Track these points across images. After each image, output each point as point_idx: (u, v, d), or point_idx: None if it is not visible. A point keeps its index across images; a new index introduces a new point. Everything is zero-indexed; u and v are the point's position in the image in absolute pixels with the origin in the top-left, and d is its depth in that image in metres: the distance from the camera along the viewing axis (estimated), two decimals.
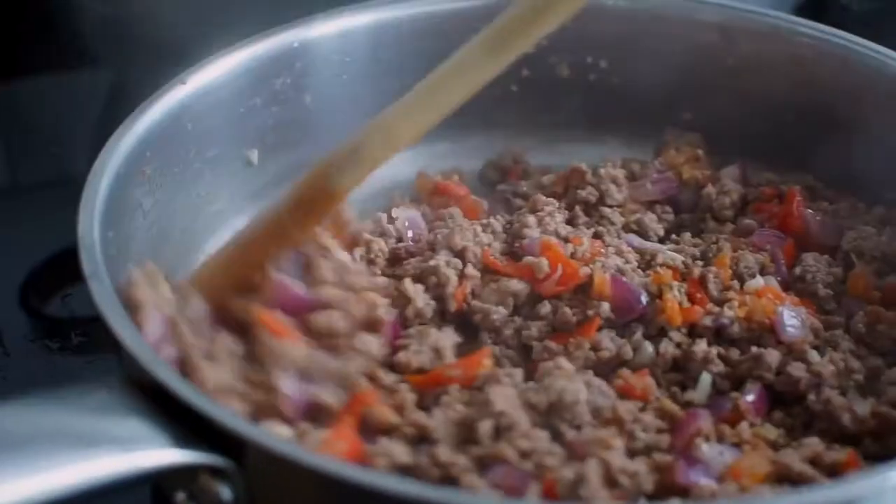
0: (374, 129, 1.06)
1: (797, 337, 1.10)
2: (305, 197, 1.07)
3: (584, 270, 1.15)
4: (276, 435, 0.96)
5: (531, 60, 1.36)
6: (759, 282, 1.16)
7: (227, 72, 1.24)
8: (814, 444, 1.02)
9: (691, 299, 1.14)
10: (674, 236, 1.26)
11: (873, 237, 1.21)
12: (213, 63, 1.23)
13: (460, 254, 1.19)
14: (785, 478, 0.99)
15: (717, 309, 1.13)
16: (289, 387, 1.01)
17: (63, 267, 1.39)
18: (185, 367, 1.00)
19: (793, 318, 1.12)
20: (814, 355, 1.09)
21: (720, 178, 1.31)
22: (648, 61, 1.34)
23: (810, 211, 1.25)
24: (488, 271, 1.19)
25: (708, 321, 1.12)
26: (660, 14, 1.34)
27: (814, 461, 1.01)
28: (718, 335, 1.12)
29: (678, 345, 1.12)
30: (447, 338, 1.12)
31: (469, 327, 1.16)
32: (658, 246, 1.23)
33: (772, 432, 1.05)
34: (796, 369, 1.07)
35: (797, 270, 1.19)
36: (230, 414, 0.91)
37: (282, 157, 1.30)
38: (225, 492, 0.90)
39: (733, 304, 1.13)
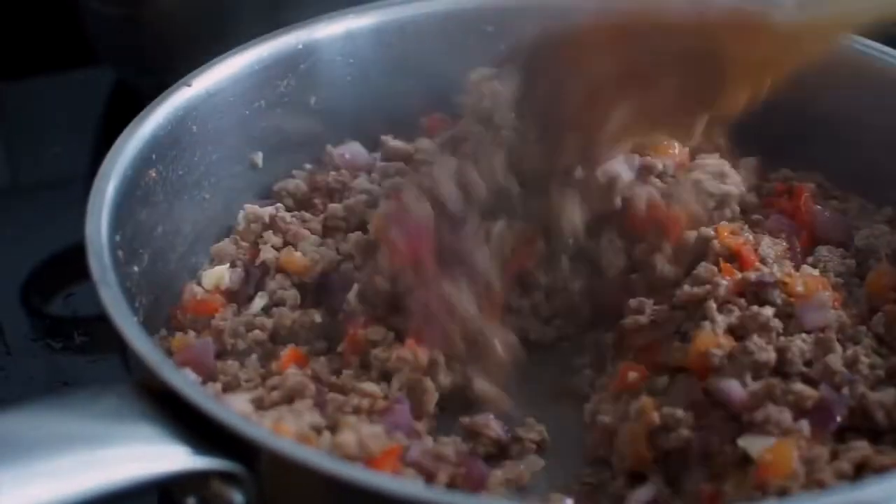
0: None
1: (817, 324, 1.11)
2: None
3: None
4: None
5: None
6: (814, 270, 1.17)
7: (231, 74, 1.23)
8: (862, 447, 1.01)
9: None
10: None
11: (886, 235, 1.21)
12: (218, 65, 1.23)
13: None
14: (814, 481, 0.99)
15: (764, 268, 1.14)
16: None
17: (64, 266, 1.40)
18: None
19: (823, 307, 1.12)
20: (837, 351, 1.09)
21: (738, 166, 1.30)
22: None
23: (819, 207, 1.25)
24: None
25: (752, 276, 1.13)
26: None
27: (863, 465, 1.00)
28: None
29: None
30: None
31: None
32: None
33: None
34: (834, 362, 1.07)
35: (810, 260, 1.20)
36: (243, 419, 0.91)
37: (286, 159, 1.30)
38: (237, 497, 0.89)
39: (783, 270, 1.14)
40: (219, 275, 1.19)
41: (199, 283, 1.18)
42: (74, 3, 1.55)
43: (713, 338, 1.08)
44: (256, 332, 1.13)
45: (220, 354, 1.12)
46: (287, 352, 1.11)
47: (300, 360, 1.11)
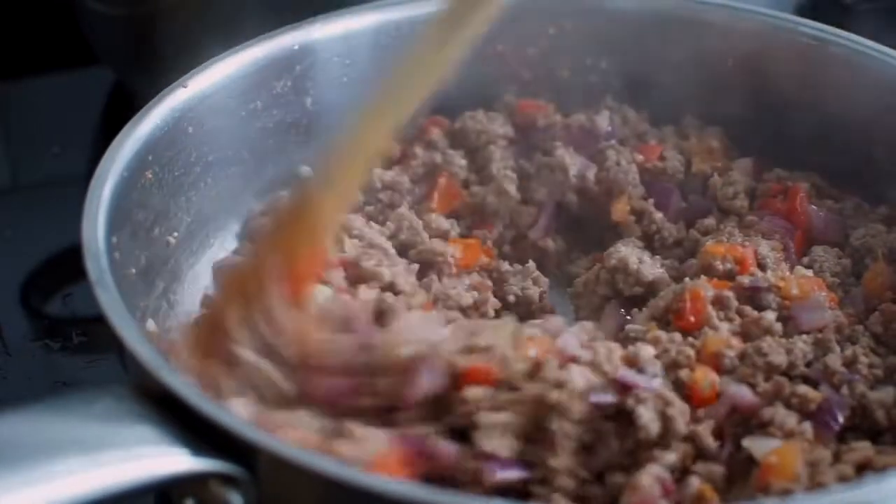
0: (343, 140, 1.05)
1: (815, 324, 1.11)
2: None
3: None
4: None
5: (531, 62, 1.36)
6: (808, 271, 1.17)
7: (227, 75, 1.23)
8: (864, 447, 1.01)
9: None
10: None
11: (882, 234, 1.22)
12: (214, 66, 1.23)
13: None
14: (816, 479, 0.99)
15: (760, 273, 1.15)
16: None
17: (63, 266, 1.40)
18: None
19: (819, 307, 1.12)
20: (836, 351, 1.09)
21: (731, 168, 1.31)
22: (650, 62, 1.34)
23: (814, 207, 1.26)
24: None
25: (746, 280, 1.14)
26: (661, 15, 1.33)
27: (864, 465, 1.00)
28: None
29: None
30: None
31: None
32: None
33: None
34: (833, 362, 1.07)
35: (805, 260, 1.20)
36: (242, 421, 0.91)
37: (282, 160, 1.30)
38: (236, 499, 0.89)
39: (776, 274, 1.15)
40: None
41: None
42: (73, 3, 1.55)
43: (723, 339, 1.08)
44: None
45: None
46: None
47: None
